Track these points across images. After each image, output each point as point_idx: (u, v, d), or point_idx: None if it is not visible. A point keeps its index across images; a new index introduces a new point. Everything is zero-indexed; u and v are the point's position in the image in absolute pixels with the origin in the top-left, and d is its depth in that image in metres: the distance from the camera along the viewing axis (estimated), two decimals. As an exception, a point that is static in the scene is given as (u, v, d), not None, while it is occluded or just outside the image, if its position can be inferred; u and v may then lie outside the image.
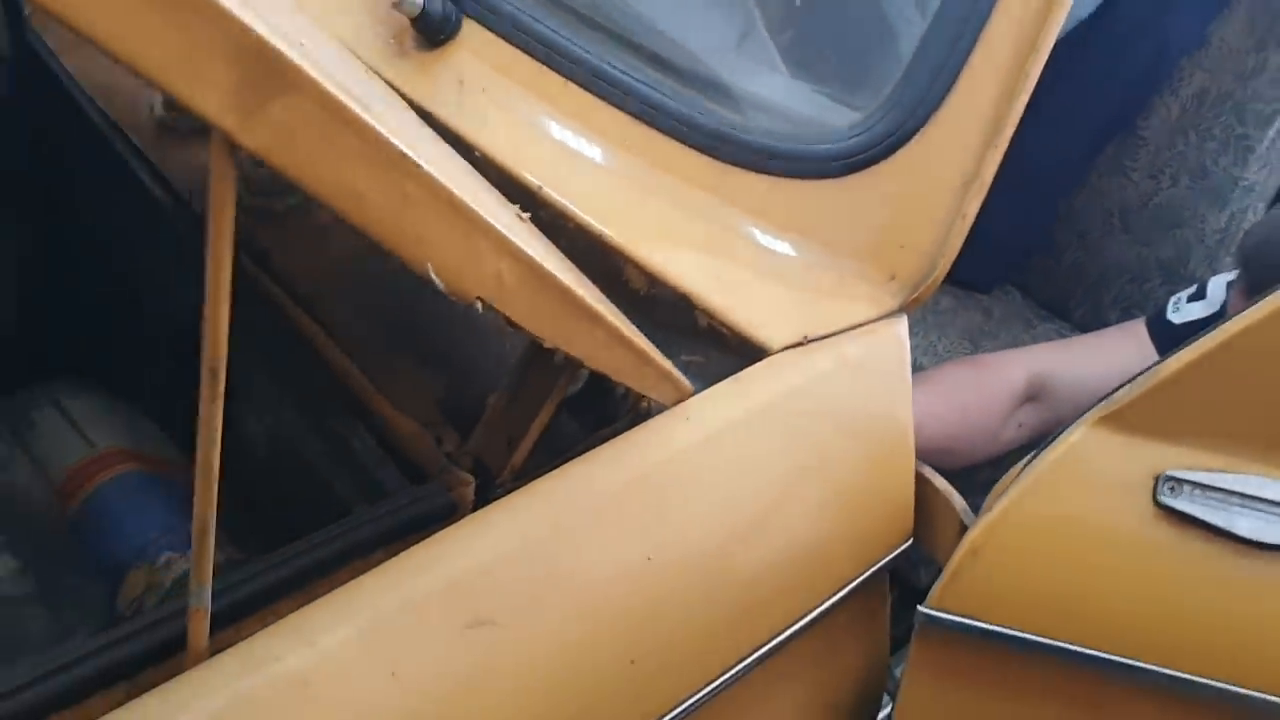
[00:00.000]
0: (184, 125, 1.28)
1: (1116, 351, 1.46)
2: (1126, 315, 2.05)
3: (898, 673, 1.20)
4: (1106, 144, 1.93)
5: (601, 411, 1.03)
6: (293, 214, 1.20)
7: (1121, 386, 1.05)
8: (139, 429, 1.22)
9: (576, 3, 1.26)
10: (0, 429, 1.03)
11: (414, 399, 1.03)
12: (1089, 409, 1.06)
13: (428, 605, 0.83)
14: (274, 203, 1.19)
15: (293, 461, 1.05)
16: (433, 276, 0.73)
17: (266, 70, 0.58)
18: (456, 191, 0.70)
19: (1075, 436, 1.04)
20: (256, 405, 1.09)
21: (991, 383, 1.36)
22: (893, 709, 1.15)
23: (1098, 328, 1.64)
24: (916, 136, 1.12)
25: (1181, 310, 1.43)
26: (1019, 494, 1.03)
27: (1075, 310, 2.06)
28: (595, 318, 0.87)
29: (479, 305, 0.78)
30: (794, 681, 1.10)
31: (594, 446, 0.99)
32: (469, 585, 0.85)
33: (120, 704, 0.75)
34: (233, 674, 0.76)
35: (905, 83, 1.13)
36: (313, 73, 0.59)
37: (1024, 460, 1.06)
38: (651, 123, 1.17)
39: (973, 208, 1.10)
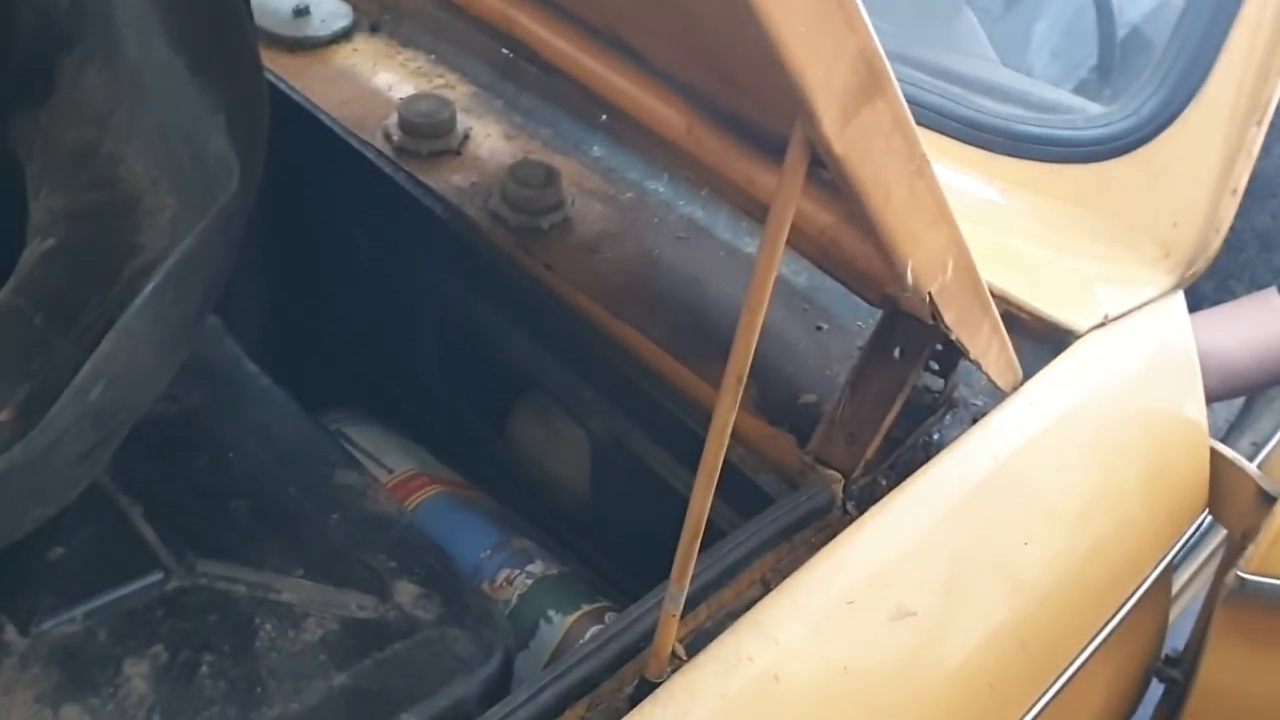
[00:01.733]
0: (425, 149, 1.28)
1: (1256, 321, 1.49)
2: (1222, 287, 2.09)
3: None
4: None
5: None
6: (556, 231, 1.21)
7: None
8: (418, 453, 1.22)
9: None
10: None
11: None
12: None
13: (858, 599, 0.85)
14: (540, 221, 1.20)
15: (630, 466, 1.07)
16: (909, 274, 0.75)
17: (870, 76, 0.59)
18: (940, 187, 0.72)
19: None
20: (588, 412, 1.10)
21: None
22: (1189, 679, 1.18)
23: (1192, 301, 1.67)
24: (1182, 115, 1.15)
25: None
26: (1333, 453, 1.06)
27: (1167, 285, 2.09)
28: (987, 308, 0.89)
29: (927, 300, 0.79)
30: (1111, 653, 1.12)
31: (923, 438, 1.02)
32: (886, 579, 0.87)
33: (611, 711, 0.77)
34: (716, 675, 0.78)
35: (1168, 63, 1.16)
36: (894, 78, 0.60)
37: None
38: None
39: (1241, 182, 1.14)
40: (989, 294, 0.88)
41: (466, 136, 1.30)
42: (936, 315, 0.83)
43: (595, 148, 1.32)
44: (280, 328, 1.36)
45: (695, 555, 0.75)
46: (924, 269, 0.76)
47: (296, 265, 1.36)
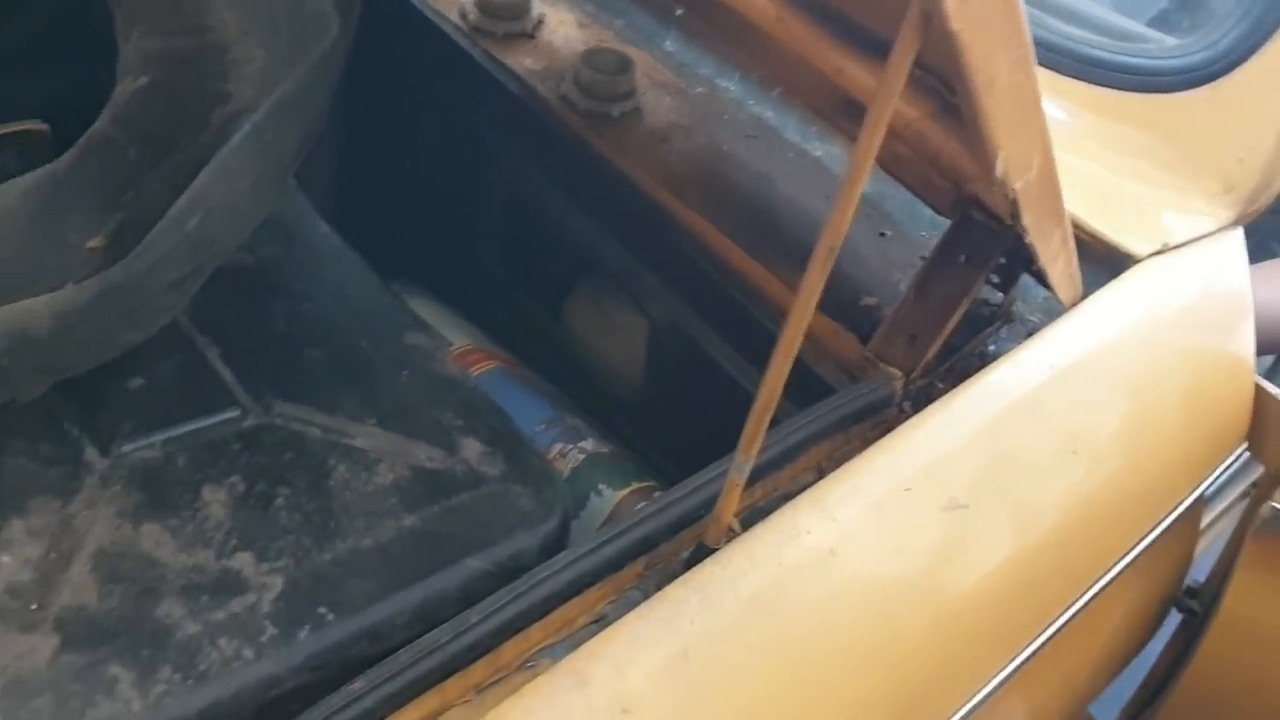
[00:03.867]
0: (500, 30, 1.29)
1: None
2: (1262, 248, 2.09)
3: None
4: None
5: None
6: (626, 119, 1.22)
7: None
8: (473, 331, 1.25)
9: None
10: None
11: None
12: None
13: (914, 487, 0.87)
14: (610, 108, 1.21)
15: (688, 353, 1.09)
16: (999, 166, 0.76)
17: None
18: (1037, 81, 0.73)
19: None
20: (650, 298, 1.11)
21: None
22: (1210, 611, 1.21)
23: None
24: (1259, 52, 1.16)
25: None
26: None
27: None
28: (1061, 217, 0.90)
29: (1011, 195, 0.81)
30: (1138, 573, 1.15)
31: (979, 347, 1.04)
32: (941, 472, 0.90)
33: (667, 573, 0.80)
34: (774, 544, 0.80)
35: (1251, -1, 1.16)
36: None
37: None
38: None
39: (1312, 125, 1.14)
40: (1064, 206, 0.89)
41: (540, 22, 1.31)
42: (1015, 215, 0.84)
43: (667, 42, 1.32)
44: (344, 196, 1.38)
45: (766, 425, 0.77)
46: (1012, 164, 0.77)
47: (364, 134, 1.37)
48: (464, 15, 1.29)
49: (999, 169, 0.76)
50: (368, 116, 1.35)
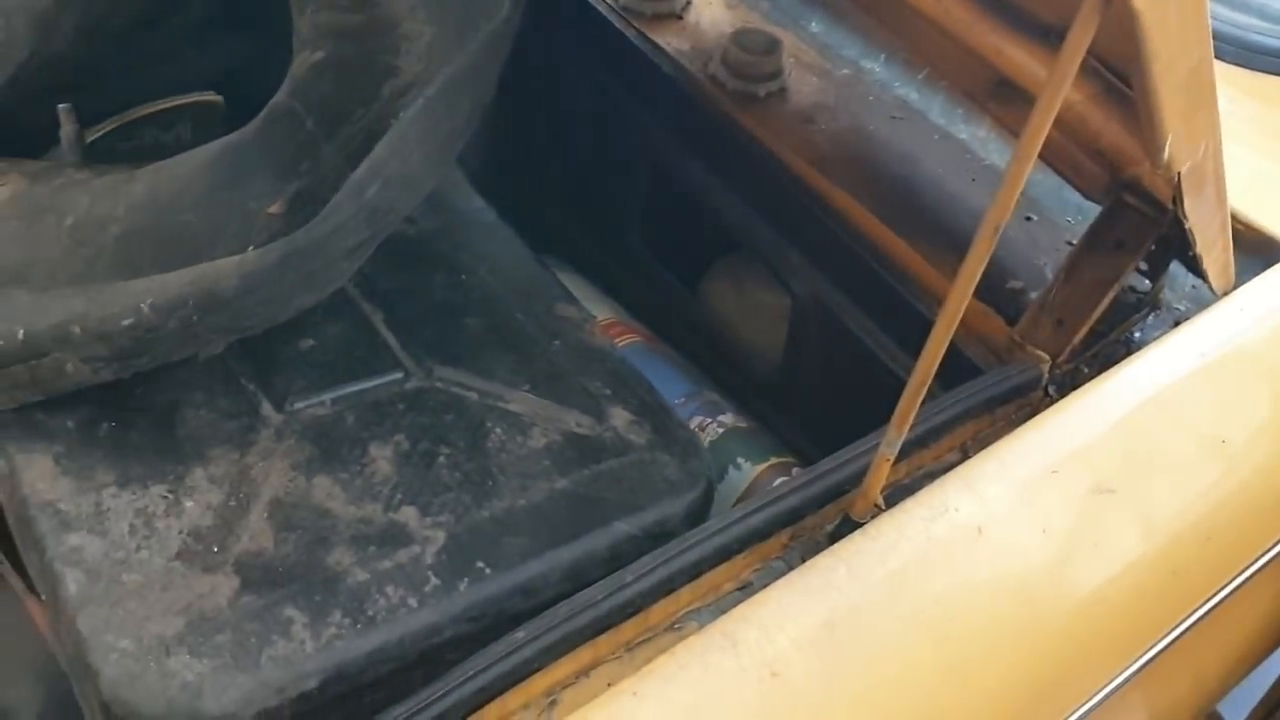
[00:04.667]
0: (649, 10, 1.31)
1: None
2: None
3: None
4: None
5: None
6: (772, 99, 1.23)
7: None
8: (613, 305, 1.27)
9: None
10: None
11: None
12: None
13: (1062, 470, 0.87)
14: (757, 88, 1.22)
15: (831, 331, 1.10)
16: (1167, 150, 0.76)
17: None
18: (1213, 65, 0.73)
19: None
20: (795, 275, 1.13)
21: None
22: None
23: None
24: None
25: None
26: None
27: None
28: (1222, 203, 0.89)
29: (1175, 180, 0.80)
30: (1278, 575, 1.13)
31: (1125, 334, 1.03)
32: (1089, 456, 0.89)
33: (812, 544, 0.82)
34: (923, 519, 0.82)
35: None
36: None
37: None
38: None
39: None
40: (1226, 194, 0.88)
41: (689, 2, 1.33)
42: (1178, 199, 0.84)
43: (813, 23, 1.33)
44: (496, 170, 1.42)
45: (919, 402, 0.78)
46: (1180, 147, 0.77)
47: (516, 110, 1.41)
48: (615, -5, 1.32)
49: (1167, 152, 0.76)
50: (520, 93, 1.39)
